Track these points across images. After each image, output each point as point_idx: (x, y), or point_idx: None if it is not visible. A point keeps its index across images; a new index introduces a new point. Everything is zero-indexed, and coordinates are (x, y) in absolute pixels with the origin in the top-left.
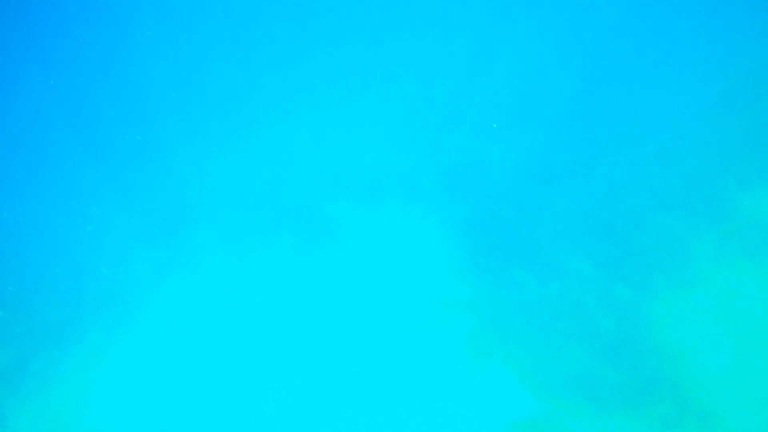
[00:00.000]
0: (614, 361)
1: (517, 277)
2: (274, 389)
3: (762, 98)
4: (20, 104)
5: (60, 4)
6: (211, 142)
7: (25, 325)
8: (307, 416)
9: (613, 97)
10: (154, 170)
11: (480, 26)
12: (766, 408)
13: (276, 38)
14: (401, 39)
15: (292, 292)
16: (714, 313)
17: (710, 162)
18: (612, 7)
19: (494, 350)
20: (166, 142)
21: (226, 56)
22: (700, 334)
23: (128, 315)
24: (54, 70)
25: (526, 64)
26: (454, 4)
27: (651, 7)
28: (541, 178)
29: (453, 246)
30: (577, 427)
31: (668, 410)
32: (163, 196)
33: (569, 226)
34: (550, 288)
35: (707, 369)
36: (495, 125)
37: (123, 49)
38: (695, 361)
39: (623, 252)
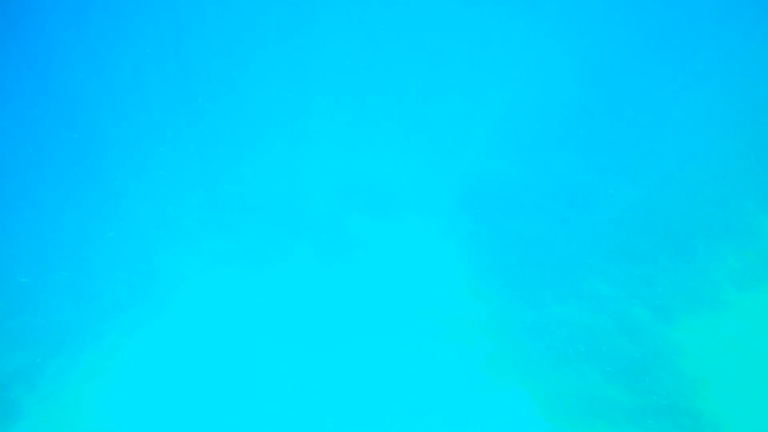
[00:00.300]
0: (631, 385)
1: (535, 298)
2: (285, 399)
3: None
4: (49, 113)
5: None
6: (235, 154)
7: (43, 326)
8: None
9: (637, 120)
10: (178, 180)
11: (501, 49)
12: None
13: (306, 57)
14: (423, 63)
15: (309, 305)
16: (737, 339)
17: (733, 185)
18: (638, 28)
19: (510, 370)
20: (189, 152)
21: (257, 70)
22: (723, 360)
23: (145, 320)
24: (77, 78)
25: (549, 87)
26: (477, 30)
27: (675, 28)
28: (560, 199)
29: (471, 264)
30: None
31: None
32: (186, 205)
33: (588, 248)
34: (567, 309)
35: (730, 397)
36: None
37: (146, 58)
38: (717, 388)
39: (643, 274)
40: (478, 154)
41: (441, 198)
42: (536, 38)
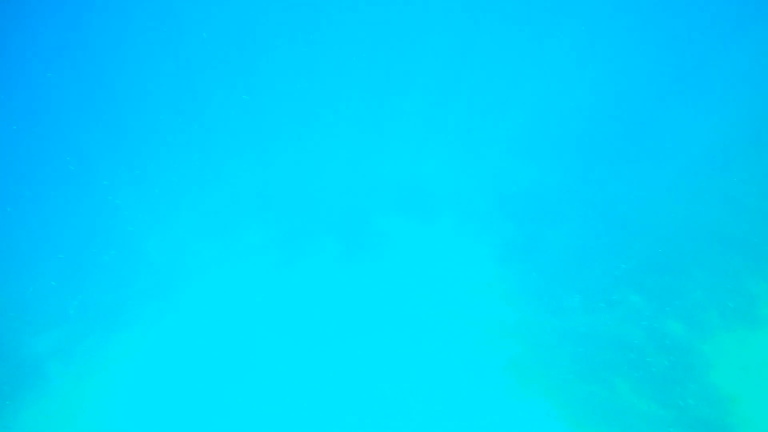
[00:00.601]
0: (660, 399)
1: (565, 306)
2: (303, 393)
3: None
4: (105, 107)
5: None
6: (273, 150)
7: (81, 308)
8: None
9: (675, 131)
10: (213, 173)
11: (540, 61)
12: None
13: (350, 57)
14: (464, 69)
15: (337, 300)
16: None
17: None
18: (673, 50)
19: (535, 378)
20: (226, 145)
21: (300, 68)
22: (756, 379)
23: (175, 308)
24: (111, 75)
25: (594, 98)
26: (523, 40)
27: (710, 46)
28: (596, 207)
29: (502, 268)
30: None
31: None
32: (220, 197)
33: (621, 257)
34: (598, 318)
35: (761, 416)
36: None
37: (182, 54)
38: (748, 407)
39: (676, 287)
40: (516, 160)
41: (475, 201)
42: (580, 50)
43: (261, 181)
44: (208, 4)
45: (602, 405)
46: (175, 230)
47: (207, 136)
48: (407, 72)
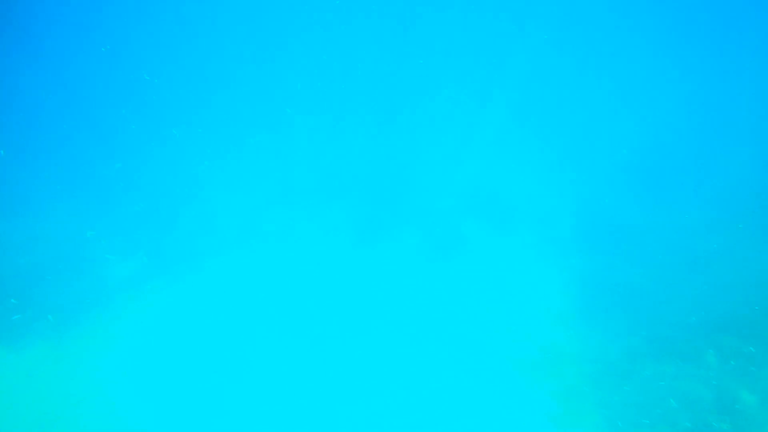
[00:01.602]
0: None
1: (632, 348)
2: (348, 391)
3: None
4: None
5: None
6: (364, 140)
7: (156, 245)
8: None
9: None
10: (309, 158)
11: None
12: None
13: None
14: (566, 93)
15: (403, 294)
16: None
17: None
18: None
19: (588, 413)
20: (330, 134)
21: (394, 73)
22: None
23: (244, 269)
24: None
25: (693, 145)
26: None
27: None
28: (683, 256)
29: (573, 297)
30: None
31: None
32: (317, 174)
33: (701, 312)
34: (665, 369)
35: None
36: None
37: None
38: None
39: (757, 357)
40: (608, 192)
41: (560, 224)
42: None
43: (352, 166)
44: None
45: None
46: (263, 198)
47: (307, 121)
48: (518, 92)
